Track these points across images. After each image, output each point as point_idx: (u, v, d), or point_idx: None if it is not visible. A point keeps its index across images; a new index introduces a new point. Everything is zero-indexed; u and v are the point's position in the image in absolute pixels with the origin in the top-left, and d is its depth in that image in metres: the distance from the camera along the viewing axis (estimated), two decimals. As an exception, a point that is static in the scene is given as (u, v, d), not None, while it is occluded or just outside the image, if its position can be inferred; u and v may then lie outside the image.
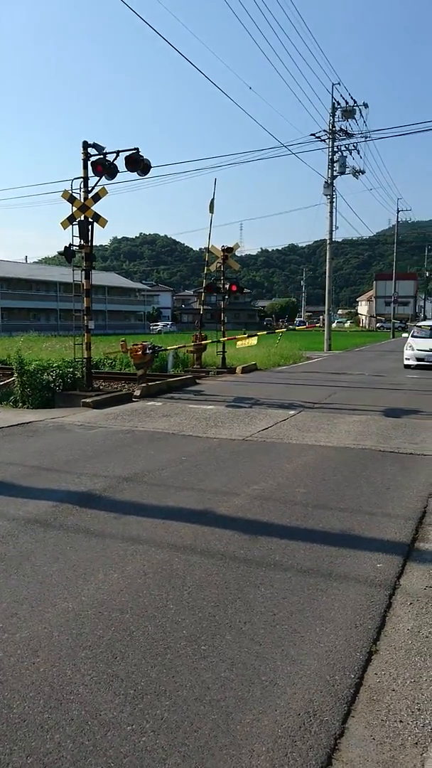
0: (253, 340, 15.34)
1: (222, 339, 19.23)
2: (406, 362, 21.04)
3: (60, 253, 13.66)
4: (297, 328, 56.64)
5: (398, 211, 61.40)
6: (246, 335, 17.24)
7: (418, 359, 20.64)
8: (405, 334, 35.69)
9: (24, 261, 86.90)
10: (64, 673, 2.97)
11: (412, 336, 22.47)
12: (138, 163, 12.83)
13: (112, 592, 3.85)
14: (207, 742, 2.50)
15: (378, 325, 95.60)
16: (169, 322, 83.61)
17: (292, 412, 11.27)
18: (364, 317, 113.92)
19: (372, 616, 3.59)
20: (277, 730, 2.58)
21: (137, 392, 13.50)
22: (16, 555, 4.47)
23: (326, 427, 9.75)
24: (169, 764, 2.37)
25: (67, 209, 13.08)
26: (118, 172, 13.05)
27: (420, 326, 24.08)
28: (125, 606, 3.66)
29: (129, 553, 4.50)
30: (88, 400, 12.11)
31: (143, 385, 14.04)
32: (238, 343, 16.07)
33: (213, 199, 19.53)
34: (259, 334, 16.50)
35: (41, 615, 3.54)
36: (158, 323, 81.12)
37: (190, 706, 2.73)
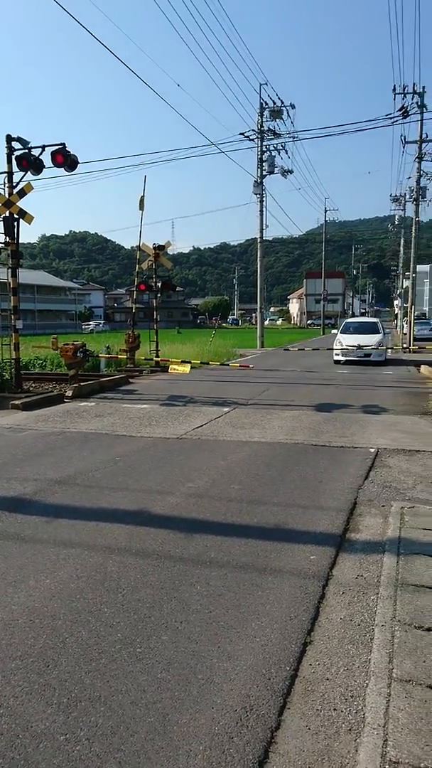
0: (186, 368, 15.66)
1: (153, 339, 19.10)
2: (335, 358, 21.56)
3: (-16, 251, 13.17)
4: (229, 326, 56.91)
5: (326, 211, 62.82)
6: (180, 361, 17.22)
7: (346, 355, 21.20)
8: (334, 331, 36.56)
9: None
10: (-6, 686, 2.85)
11: (341, 332, 23.06)
12: (65, 159, 12.54)
13: (44, 598, 3.74)
14: (143, 745, 2.47)
15: (309, 322, 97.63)
16: (102, 322, 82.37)
17: (226, 410, 11.32)
18: (295, 315, 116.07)
19: (306, 607, 3.64)
20: (214, 728, 2.57)
21: (69, 393, 13.22)
22: None
23: (260, 423, 9.86)
24: (105, 772, 2.32)
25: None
26: (45, 167, 12.74)
27: (348, 322, 24.77)
28: (57, 612, 3.56)
29: (61, 557, 4.39)
30: (17, 402, 11.75)
31: (75, 385, 13.76)
32: (171, 368, 16.24)
33: (143, 197, 19.37)
34: (193, 362, 16.61)
35: (-32, 626, 3.39)
36: (90, 322, 79.75)
37: (125, 711, 2.69)
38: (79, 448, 8.20)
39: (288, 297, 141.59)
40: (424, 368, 18.44)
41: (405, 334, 35.07)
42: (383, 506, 5.60)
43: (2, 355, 13.78)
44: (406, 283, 41.34)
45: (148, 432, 9.22)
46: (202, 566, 4.23)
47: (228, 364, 19.45)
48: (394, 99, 31.37)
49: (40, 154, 12.51)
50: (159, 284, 20.13)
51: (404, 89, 30.35)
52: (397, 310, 72.40)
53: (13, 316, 12.96)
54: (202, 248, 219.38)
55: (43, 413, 11.11)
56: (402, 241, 56.83)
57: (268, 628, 3.39)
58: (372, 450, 7.86)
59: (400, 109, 28.74)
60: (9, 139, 12.65)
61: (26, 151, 12.56)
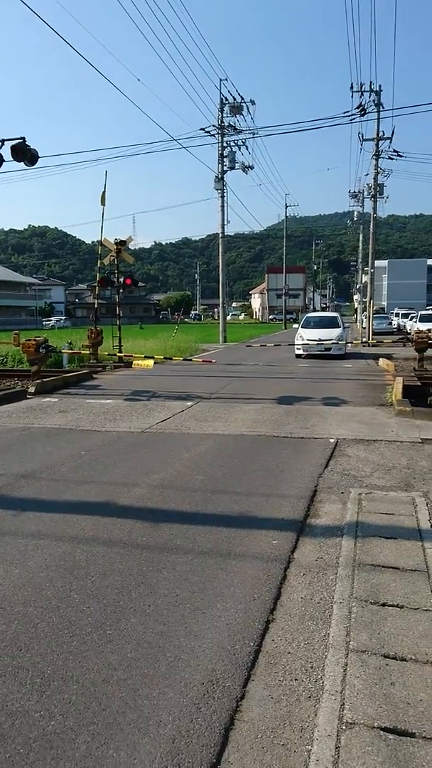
0: (150, 363, 16.00)
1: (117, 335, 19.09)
2: (296, 352, 21.89)
3: None
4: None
5: (286, 207, 63.43)
6: (143, 356, 17.36)
7: (307, 349, 21.55)
8: (296, 325, 37.04)
9: None
10: (-33, 670, 2.94)
11: (302, 327, 23.42)
12: (25, 153, 12.41)
13: (14, 587, 3.82)
14: (115, 718, 2.60)
15: (271, 317, 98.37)
16: (63, 317, 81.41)
17: (189, 403, 11.46)
18: (257, 309, 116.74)
19: (269, 588, 3.81)
20: (182, 701, 2.72)
21: (31, 389, 13.14)
22: None
23: (223, 416, 10.02)
24: (79, 743, 2.44)
25: None
26: (4, 161, 12.60)
27: (309, 317, 25.16)
28: (28, 599, 3.66)
29: (30, 548, 4.46)
30: (-21, 398, 11.64)
31: (38, 381, 13.69)
32: (134, 363, 16.53)
33: (104, 192, 19.29)
34: (156, 357, 16.99)
35: None
36: (51, 318, 78.70)
37: (97, 688, 2.81)
38: (44, 443, 8.23)
39: (250, 292, 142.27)
40: (381, 361, 18.90)
41: (365, 328, 35.78)
42: (342, 493, 5.82)
43: (-38, 351, 13.60)
44: (365, 278, 42.11)
45: (113, 426, 9.29)
46: (168, 553, 4.37)
47: (191, 359, 19.56)
48: (352, 97, 31.90)
49: (0, 148, 12.37)
50: (121, 280, 20.10)
51: (362, 87, 30.97)
52: (356, 305, 73.65)
53: (-27, 312, 12.80)
54: (163, 243, 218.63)
55: (5, 409, 11.05)
56: (361, 236, 57.75)
57: (232, 609, 3.55)
58: (332, 440, 8.11)
59: (358, 107, 29.24)
60: (-33, 132, 12.46)
61: (-16, 144, 12.39)
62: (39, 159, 13.05)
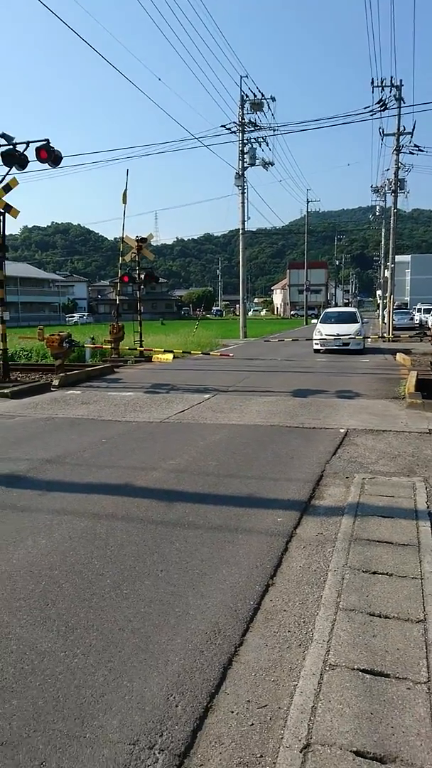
0: (169, 357, 16.61)
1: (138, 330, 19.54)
2: (315, 347, 22.15)
3: (-29, 244, 13.51)
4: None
5: (308, 202, 63.70)
6: (162, 350, 17.91)
7: (325, 344, 21.80)
8: (315, 321, 37.19)
9: None
10: (2, 620, 3.37)
11: (321, 322, 23.66)
12: (49, 154, 12.93)
13: (41, 554, 4.26)
14: (129, 658, 3.00)
15: (292, 312, 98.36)
16: (86, 313, 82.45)
17: (207, 396, 11.85)
18: (278, 305, 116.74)
19: (271, 558, 4.19)
20: (187, 646, 3.11)
21: (56, 382, 13.66)
22: None
23: (238, 408, 10.40)
24: (98, 676, 2.85)
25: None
26: (29, 162, 13.11)
27: (328, 312, 25.38)
28: (54, 564, 4.08)
29: (55, 522, 4.90)
30: (5, 390, 12.18)
31: (61, 374, 14.21)
32: (154, 357, 17.14)
33: (126, 190, 19.74)
34: (175, 351, 17.63)
35: (-24, 576, 3.90)
36: (74, 314, 79.81)
37: (114, 635, 3.22)
38: (67, 431, 8.69)
39: (272, 288, 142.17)
40: (399, 356, 19.09)
41: (385, 323, 35.82)
42: (347, 478, 6.16)
43: (-10, 345, 14.14)
44: (387, 274, 42.03)
45: (133, 417, 9.72)
46: (181, 528, 4.77)
47: (209, 353, 19.96)
48: (372, 92, 31.95)
49: (25, 150, 12.86)
50: (142, 276, 20.56)
51: (382, 82, 30.94)
52: (379, 300, 73.33)
53: (0, 308, 13.34)
54: (185, 239, 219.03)
55: (31, 401, 11.56)
56: (383, 231, 57.56)
57: (237, 574, 3.94)
58: (342, 430, 8.43)
59: (378, 102, 29.34)
60: (-6, 135, 12.98)
61: (11, 147, 12.88)
62: (63, 159, 13.59)
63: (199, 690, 2.75)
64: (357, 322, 23.09)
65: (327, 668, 2.90)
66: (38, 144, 12.85)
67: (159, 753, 2.36)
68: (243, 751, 2.38)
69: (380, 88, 30.65)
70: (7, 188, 13.01)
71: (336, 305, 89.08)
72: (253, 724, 2.53)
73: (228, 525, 4.84)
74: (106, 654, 3.03)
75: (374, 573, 3.92)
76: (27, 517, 5.03)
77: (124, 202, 19.78)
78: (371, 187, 58.81)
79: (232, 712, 2.62)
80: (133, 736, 2.45)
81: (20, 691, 2.75)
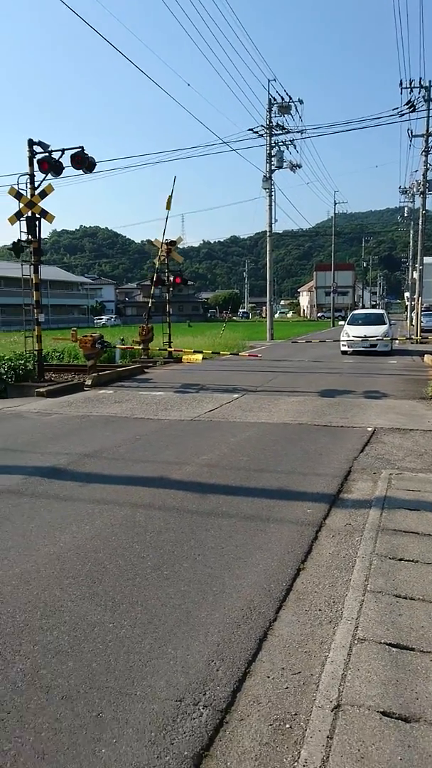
0: (198, 357, 17.07)
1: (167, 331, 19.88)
2: (342, 348, 22.23)
3: (9, 249, 14.01)
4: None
5: (335, 204, 63.47)
6: (192, 351, 18.34)
7: (353, 345, 21.87)
8: (342, 323, 37.21)
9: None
10: (54, 594, 3.66)
11: (348, 324, 23.73)
12: (83, 161, 13.33)
13: (86, 539, 4.55)
14: (172, 629, 3.26)
15: (319, 314, 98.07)
16: (113, 316, 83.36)
17: (236, 396, 12.10)
18: (305, 307, 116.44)
19: (301, 545, 4.42)
20: (225, 620, 3.36)
21: (88, 381, 14.05)
22: (-4, 517, 5.09)
23: (267, 407, 10.62)
24: (144, 644, 3.12)
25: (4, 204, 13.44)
26: (64, 169, 13.53)
27: (355, 314, 25.43)
28: (98, 548, 4.37)
29: (96, 511, 5.19)
30: (41, 389, 12.59)
31: (94, 374, 14.59)
32: (184, 358, 17.63)
33: (171, 196, 20.04)
34: (204, 352, 18.10)
35: (28, 557, 4.21)
36: (102, 317, 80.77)
37: (157, 610, 3.48)
38: (102, 428, 9.02)
39: (298, 290, 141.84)
40: (427, 357, 19.09)
41: (413, 325, 35.65)
42: (374, 473, 6.35)
43: (25, 346, 14.63)
44: (415, 275, 41.78)
45: (164, 415, 10.02)
46: (216, 517, 5.02)
47: (238, 354, 20.21)
48: (401, 93, 31.76)
49: (60, 157, 13.28)
50: (172, 278, 20.90)
51: (410, 83, 30.89)
52: (407, 302, 72.71)
53: (35, 310, 13.80)
54: (212, 242, 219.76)
55: (65, 400, 11.95)
56: (411, 233, 57.16)
57: (269, 559, 4.18)
58: (369, 429, 8.60)
59: (407, 104, 29.25)
60: (30, 143, 13.43)
61: (47, 154, 13.34)
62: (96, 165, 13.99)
63: (238, 658, 2.99)
64: (384, 323, 23.11)
65: (356, 642, 3.12)
66: (73, 151, 13.25)
67: (203, 708, 2.61)
68: (279, 710, 2.62)
69: (409, 89, 30.65)
70: (43, 194, 13.45)
71: (363, 307, 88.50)
72: (287, 688, 2.77)
73: (260, 515, 5.07)
74: (151, 626, 3.30)
75: (400, 560, 4.12)
76: (70, 506, 5.34)
77: (168, 208, 20.11)
78: (399, 188, 58.45)
79: (268, 677, 2.86)
80: (179, 694, 2.71)
81: (75, 655, 3.03)
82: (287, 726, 2.52)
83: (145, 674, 2.86)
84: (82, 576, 3.91)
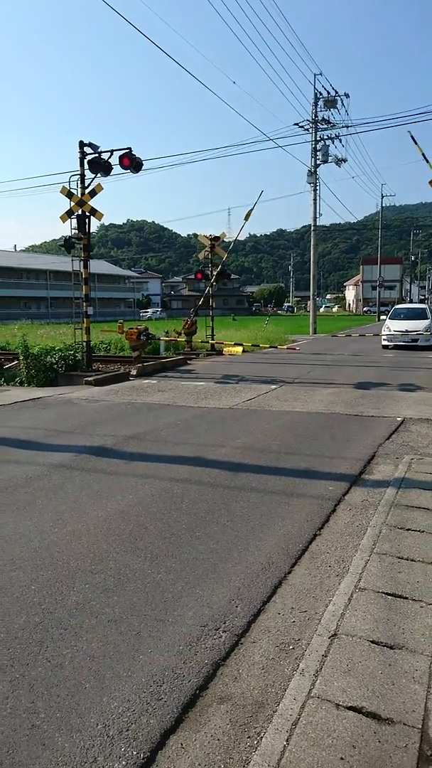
0: (239, 350, 17.77)
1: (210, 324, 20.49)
2: (383, 343, 22.40)
3: (60, 245, 14.83)
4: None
5: (382, 197, 62.81)
6: (233, 344, 19.00)
7: (393, 340, 22.01)
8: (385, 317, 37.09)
9: (13, 250, 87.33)
10: (102, 548, 4.30)
11: (390, 318, 23.84)
12: (131, 161, 14.00)
13: (129, 505, 5.18)
14: (201, 576, 3.85)
15: (365, 309, 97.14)
16: (159, 309, 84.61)
17: (273, 386, 12.61)
18: (351, 301, 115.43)
19: (320, 516, 4.94)
20: (246, 571, 3.92)
21: (133, 372, 14.78)
22: (52, 487, 5.78)
23: (303, 398, 11.10)
24: (177, 587, 3.71)
25: (48, 200, 14.27)
26: (112, 169, 14.24)
27: (397, 308, 25.47)
28: (140, 513, 4.99)
29: (139, 483, 5.82)
30: (89, 378, 13.38)
31: (139, 365, 15.32)
32: (225, 350, 18.35)
33: (251, 210, 20.74)
34: (245, 345, 18.80)
35: (79, 518, 4.87)
36: (148, 310, 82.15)
37: (189, 562, 4.07)
38: (146, 414, 9.68)
39: (344, 284, 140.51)
40: (468, 352, 19.13)
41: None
42: (397, 458, 6.79)
43: (75, 338, 15.46)
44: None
45: (204, 403, 10.62)
46: (245, 491, 5.58)
47: (277, 347, 20.66)
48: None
49: (109, 157, 14.00)
50: (214, 273, 21.50)
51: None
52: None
53: (84, 303, 14.59)
54: (258, 235, 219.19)
55: (112, 388, 12.69)
56: (460, 226, 56.11)
57: (290, 526, 4.71)
58: (398, 419, 9.00)
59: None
60: (81, 144, 14.20)
61: (96, 155, 14.07)
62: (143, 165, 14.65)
63: (254, 598, 3.55)
64: (426, 318, 23.12)
65: (357, 590, 3.64)
66: (121, 152, 13.95)
67: (223, 633, 3.19)
68: (285, 637, 3.17)
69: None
70: (93, 193, 14.20)
71: (411, 302, 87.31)
72: (294, 622, 3.32)
73: (285, 490, 5.61)
74: (183, 574, 3.89)
75: (408, 530, 4.59)
76: (115, 480, 5.99)
77: (246, 219, 20.81)
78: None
79: (279, 614, 3.41)
80: (204, 622, 3.29)
81: (119, 592, 3.64)
82: (291, 648, 3.06)
83: (176, 607, 3.45)
84: (125, 534, 4.54)
